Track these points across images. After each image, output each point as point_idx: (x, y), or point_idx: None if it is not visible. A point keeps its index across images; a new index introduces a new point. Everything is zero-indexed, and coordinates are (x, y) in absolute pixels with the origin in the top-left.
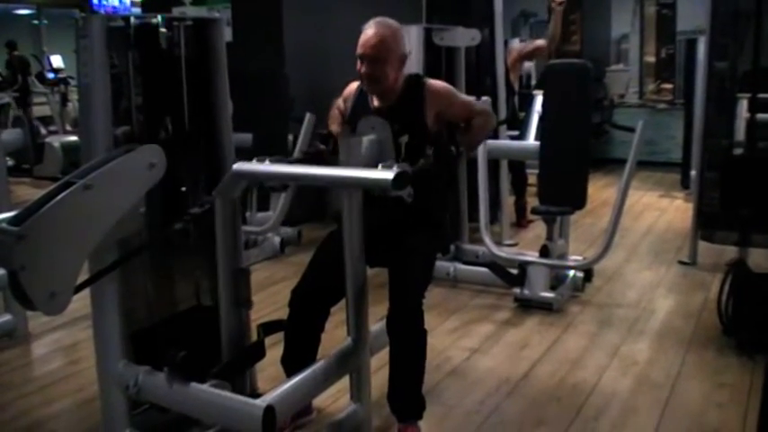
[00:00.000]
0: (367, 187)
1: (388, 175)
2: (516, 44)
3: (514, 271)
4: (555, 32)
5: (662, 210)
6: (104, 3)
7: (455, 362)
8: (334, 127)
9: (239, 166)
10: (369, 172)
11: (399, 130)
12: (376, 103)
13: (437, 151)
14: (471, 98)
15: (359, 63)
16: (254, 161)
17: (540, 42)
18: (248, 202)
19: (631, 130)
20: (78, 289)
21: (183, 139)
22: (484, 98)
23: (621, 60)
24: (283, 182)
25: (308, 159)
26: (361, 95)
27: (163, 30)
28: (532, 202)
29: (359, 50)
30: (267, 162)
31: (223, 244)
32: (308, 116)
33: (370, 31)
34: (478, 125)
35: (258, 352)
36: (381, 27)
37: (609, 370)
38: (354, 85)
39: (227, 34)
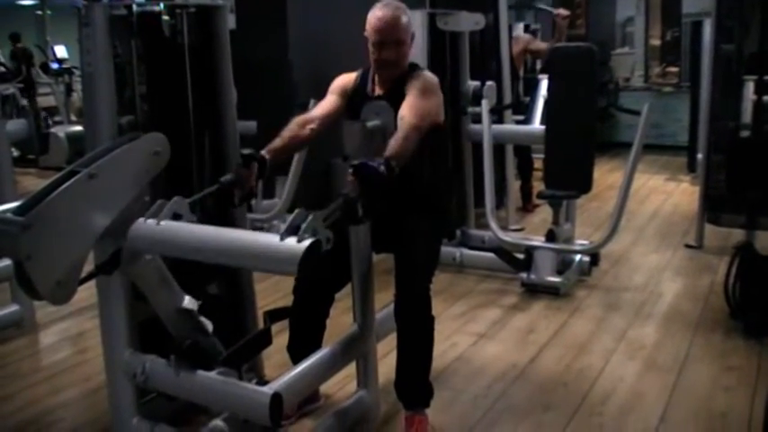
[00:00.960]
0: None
1: (297, 248)
2: (523, 35)
3: (521, 256)
4: (559, 39)
5: (668, 193)
6: None
7: (462, 347)
8: (332, 97)
9: (132, 231)
10: (275, 246)
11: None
12: (377, 90)
13: (364, 177)
14: (427, 109)
15: (376, 50)
16: (144, 221)
17: (544, 46)
18: (255, 189)
19: (637, 113)
20: (84, 281)
21: (187, 126)
22: (488, 83)
23: (627, 43)
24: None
25: (226, 188)
26: (360, 84)
27: (166, 17)
28: (538, 186)
29: (376, 37)
30: (161, 223)
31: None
32: (312, 103)
33: (383, 15)
34: (399, 134)
35: (265, 339)
36: (393, 9)
37: (616, 354)
38: (351, 76)
39: (231, 21)
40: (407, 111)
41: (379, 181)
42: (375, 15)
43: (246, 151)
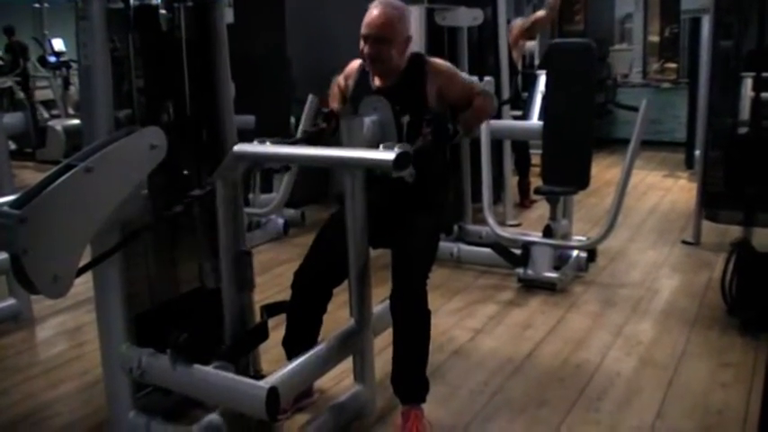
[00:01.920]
0: (368, 168)
1: (390, 155)
2: (516, 21)
3: (518, 251)
4: (555, 1)
5: (666, 189)
6: None
7: (459, 342)
8: (335, 105)
9: (240, 147)
10: (370, 152)
11: (401, 110)
12: (378, 82)
13: (435, 130)
14: (473, 78)
15: (362, 42)
16: (255, 142)
17: (540, 13)
18: (251, 184)
19: (635, 109)
20: (81, 272)
21: (184, 121)
22: (487, 78)
23: (625, 40)
24: (285, 163)
25: (309, 139)
26: (362, 75)
27: (163, 11)
28: (536, 182)
29: (364, 30)
30: (268, 143)
31: (225, 226)
32: (310, 98)
33: (375, 11)
34: (479, 106)
35: (261, 333)
36: (388, 7)
37: (612, 350)
38: (356, 64)
39: (229, 15)
40: (469, 90)
41: (447, 137)
42: (369, 10)
43: (327, 109)
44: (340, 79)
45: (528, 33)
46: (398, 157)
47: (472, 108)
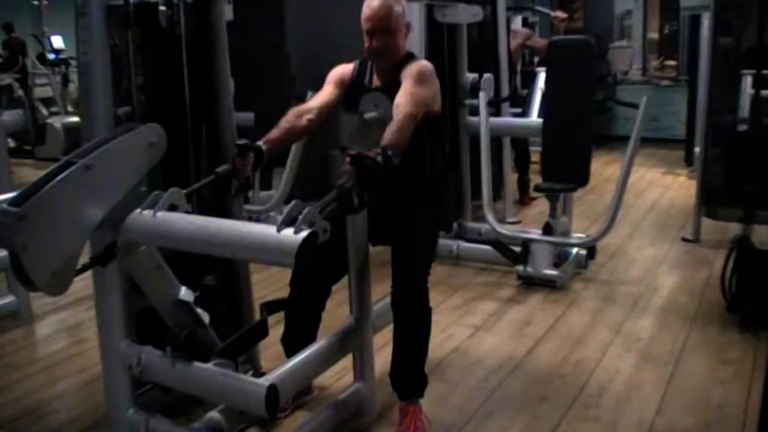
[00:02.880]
0: (268, 262)
1: (293, 240)
2: (522, 29)
3: (518, 248)
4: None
5: (665, 186)
6: None
7: (458, 339)
8: (329, 88)
9: (128, 222)
10: (270, 236)
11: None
12: (375, 82)
13: (360, 170)
14: (422, 96)
15: (367, 38)
16: (141, 212)
17: (543, 44)
18: (252, 179)
19: (635, 106)
20: (81, 271)
21: (184, 118)
22: (486, 75)
23: (625, 37)
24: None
25: (219, 183)
26: (358, 75)
27: (162, 8)
28: (535, 179)
29: (367, 24)
30: (155, 213)
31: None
32: (309, 94)
33: (374, 3)
34: (394, 123)
35: (261, 331)
36: None
37: (612, 347)
38: (349, 67)
39: (228, 12)
40: (402, 99)
41: (377, 171)
42: (367, 4)
43: (242, 142)
44: (339, 68)
45: (529, 49)
46: (304, 242)
47: (391, 123)
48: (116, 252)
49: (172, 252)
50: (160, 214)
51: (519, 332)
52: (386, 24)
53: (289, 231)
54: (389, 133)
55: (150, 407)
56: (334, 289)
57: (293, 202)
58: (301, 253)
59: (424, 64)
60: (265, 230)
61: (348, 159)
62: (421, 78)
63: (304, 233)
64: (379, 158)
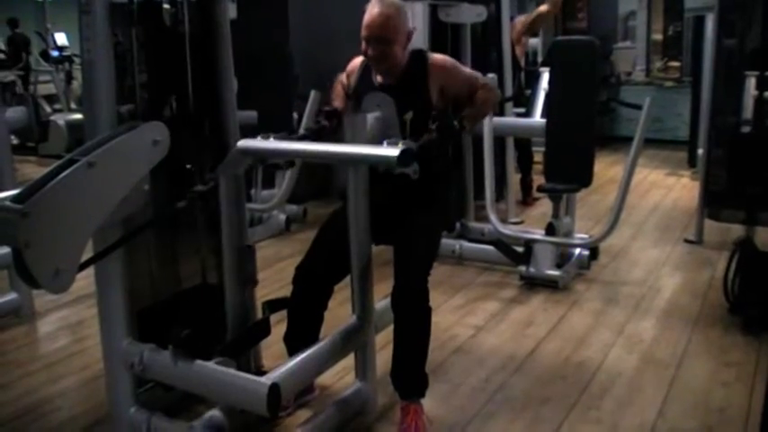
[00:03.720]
0: (372, 163)
1: (394, 151)
2: (521, 17)
3: (520, 249)
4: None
5: (668, 188)
6: None
7: (460, 339)
8: (338, 103)
9: (244, 142)
10: (374, 148)
11: (404, 107)
12: (380, 79)
13: (440, 126)
14: (475, 72)
15: (364, 44)
16: (259, 138)
17: (543, 8)
18: (253, 179)
19: (638, 107)
20: (83, 266)
21: (187, 116)
22: (490, 75)
23: (629, 37)
24: (289, 158)
25: (312, 136)
26: (365, 72)
27: (166, 6)
28: (538, 179)
29: (364, 32)
30: (272, 139)
31: (227, 221)
32: (312, 93)
33: (374, 11)
34: (482, 99)
35: (263, 329)
36: (385, 6)
37: (614, 348)
38: (358, 61)
39: (232, 11)
40: (471, 83)
41: (452, 134)
42: (368, 11)
43: (328, 108)
44: (342, 77)
45: (531, 29)
46: (402, 153)
47: (476, 101)
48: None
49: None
50: (272, 140)
51: (521, 333)
52: (382, 34)
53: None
54: (475, 108)
55: (152, 405)
56: (336, 288)
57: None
58: (401, 159)
59: (444, 57)
60: (369, 147)
61: (433, 118)
62: (456, 64)
63: (403, 146)
64: (457, 123)
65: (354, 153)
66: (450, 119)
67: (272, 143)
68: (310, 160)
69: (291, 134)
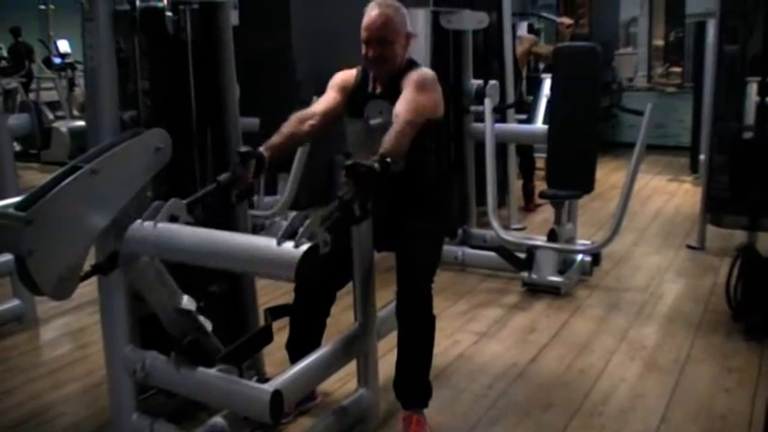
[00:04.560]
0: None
1: (294, 254)
2: (528, 35)
3: (522, 255)
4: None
5: (670, 194)
6: None
7: (463, 346)
8: (332, 93)
9: (130, 233)
10: (271, 251)
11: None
12: (378, 88)
13: (356, 179)
14: (421, 103)
15: (364, 47)
16: (142, 223)
17: (549, 51)
18: (256, 185)
19: (640, 113)
20: (86, 277)
21: (189, 123)
22: (492, 82)
23: (630, 43)
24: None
25: (221, 190)
26: (361, 81)
27: (169, 13)
28: (540, 185)
29: (364, 34)
30: (151, 224)
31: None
32: (314, 100)
33: (373, 12)
34: (394, 130)
35: (266, 336)
36: (384, 8)
37: (617, 354)
38: (352, 73)
39: (234, 17)
40: (402, 106)
41: (374, 179)
42: (367, 13)
43: (243, 149)
44: (342, 74)
45: (535, 56)
46: (304, 256)
47: (390, 130)
48: (117, 262)
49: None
50: (161, 225)
51: (523, 339)
52: (382, 35)
53: (289, 245)
54: (388, 140)
55: (154, 412)
56: (338, 294)
57: (294, 214)
58: (302, 267)
59: (425, 72)
60: (266, 243)
61: (344, 170)
62: (421, 86)
63: (304, 247)
64: (377, 165)
65: (249, 258)
66: (363, 166)
67: (158, 233)
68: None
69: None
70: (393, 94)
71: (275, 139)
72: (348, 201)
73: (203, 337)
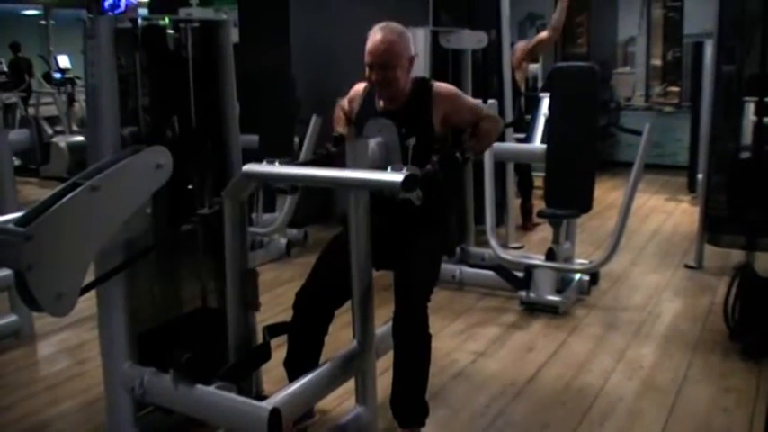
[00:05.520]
0: (376, 189)
1: (398, 177)
2: (521, 43)
3: (520, 274)
4: (559, 21)
5: (668, 213)
6: None
7: (461, 365)
8: (340, 128)
9: (250, 167)
10: (378, 174)
11: (406, 133)
12: (383, 105)
13: (443, 156)
14: (478, 101)
15: (368, 71)
16: (264, 163)
17: (543, 35)
18: (254, 203)
19: (638, 133)
20: (85, 290)
21: (189, 140)
22: (490, 101)
23: (628, 63)
24: (293, 183)
25: (318, 161)
26: (368, 97)
27: (170, 31)
28: (539, 204)
29: (368, 58)
30: (277, 164)
31: (231, 245)
32: (314, 118)
33: (377, 37)
34: (485, 129)
35: (264, 354)
36: (388, 32)
37: (615, 374)
38: (361, 87)
39: (234, 35)
40: (475, 114)
41: (456, 165)
42: (371, 38)
43: (337, 133)
44: (344, 102)
45: (531, 54)
46: (406, 179)
47: (479, 131)
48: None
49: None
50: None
51: (521, 358)
52: (385, 60)
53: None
54: (484, 135)
55: (152, 428)
56: (337, 312)
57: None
58: (406, 185)
59: (448, 86)
60: (377, 173)
61: (436, 146)
62: (460, 94)
63: (407, 172)
64: (458, 155)
65: (359, 178)
66: (453, 151)
67: (278, 168)
68: (315, 185)
69: (294, 159)
70: (400, 112)
71: (340, 129)
72: (433, 173)
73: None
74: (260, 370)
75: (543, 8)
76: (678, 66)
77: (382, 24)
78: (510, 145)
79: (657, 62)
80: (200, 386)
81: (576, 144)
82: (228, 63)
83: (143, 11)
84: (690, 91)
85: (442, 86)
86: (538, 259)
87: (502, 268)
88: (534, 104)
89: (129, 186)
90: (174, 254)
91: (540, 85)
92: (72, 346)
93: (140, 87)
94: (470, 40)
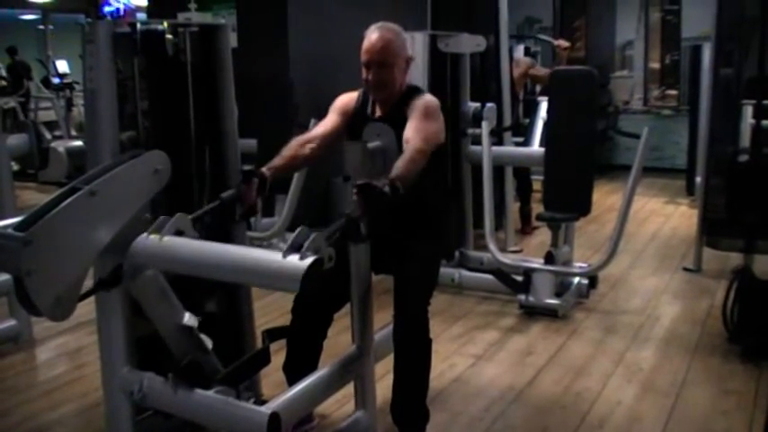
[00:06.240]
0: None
1: (300, 265)
2: (525, 59)
3: (519, 278)
4: (559, 66)
5: (667, 216)
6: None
7: (460, 369)
8: (334, 116)
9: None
10: (277, 263)
11: (399, 138)
12: (377, 112)
13: (365, 198)
14: (431, 131)
15: (364, 70)
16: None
17: (541, 72)
18: (258, 205)
19: (636, 136)
20: (84, 297)
21: (188, 144)
22: (488, 105)
23: (626, 67)
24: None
25: (225, 208)
26: (361, 105)
27: (169, 36)
28: (537, 208)
29: (364, 57)
30: (157, 237)
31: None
32: (312, 122)
33: (373, 36)
34: (405, 158)
35: (263, 358)
36: (385, 31)
37: (614, 377)
38: (353, 96)
39: (233, 40)
40: (412, 134)
41: (383, 201)
42: (367, 37)
43: (247, 167)
44: (343, 97)
45: (532, 79)
46: (310, 267)
47: (402, 157)
48: (122, 275)
49: (173, 278)
50: (167, 239)
51: (520, 362)
52: (382, 59)
53: (294, 257)
54: (400, 165)
55: None
56: (336, 316)
57: (299, 229)
58: (306, 279)
59: (430, 99)
60: (271, 256)
61: (355, 189)
62: (428, 114)
63: (309, 259)
64: (387, 189)
65: (254, 270)
66: (375, 187)
67: (165, 246)
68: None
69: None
70: (395, 119)
71: (277, 161)
72: (355, 219)
73: (204, 355)
74: (259, 374)
75: (541, 12)
76: (676, 69)
77: (379, 24)
78: (509, 149)
79: (656, 66)
80: (199, 391)
81: (574, 148)
82: (227, 67)
83: (141, 15)
84: (688, 94)
85: (422, 98)
86: (537, 263)
87: (501, 272)
88: (533, 108)
89: (128, 191)
90: None
91: (538, 89)
92: (71, 351)
93: (139, 92)
94: (469, 44)
